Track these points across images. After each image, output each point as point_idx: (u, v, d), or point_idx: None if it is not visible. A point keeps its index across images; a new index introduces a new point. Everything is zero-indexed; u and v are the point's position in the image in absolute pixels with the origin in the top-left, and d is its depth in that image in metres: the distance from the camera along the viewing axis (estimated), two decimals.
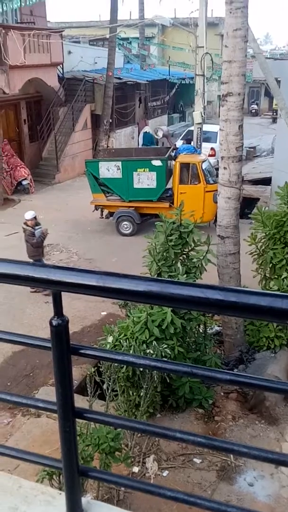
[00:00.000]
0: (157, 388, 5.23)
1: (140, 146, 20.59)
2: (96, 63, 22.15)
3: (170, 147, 14.40)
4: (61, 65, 18.55)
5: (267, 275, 7.06)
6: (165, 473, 5.08)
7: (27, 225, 9.18)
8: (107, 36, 19.60)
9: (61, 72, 19.06)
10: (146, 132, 20.86)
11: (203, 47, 13.40)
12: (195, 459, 5.26)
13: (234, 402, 6.21)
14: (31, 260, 8.61)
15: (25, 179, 16.08)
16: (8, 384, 6.70)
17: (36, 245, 9.10)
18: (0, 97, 14.79)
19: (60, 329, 1.24)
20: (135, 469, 5.07)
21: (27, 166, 16.71)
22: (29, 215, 9.24)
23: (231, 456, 5.19)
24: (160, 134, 21.40)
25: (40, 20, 18.70)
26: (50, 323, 1.24)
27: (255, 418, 5.96)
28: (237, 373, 5.03)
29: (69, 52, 20.23)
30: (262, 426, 5.82)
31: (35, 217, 9.31)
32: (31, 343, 1.40)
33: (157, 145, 20.70)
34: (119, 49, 23.98)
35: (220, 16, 27.21)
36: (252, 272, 7.09)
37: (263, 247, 6.97)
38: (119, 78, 20.89)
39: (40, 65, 16.33)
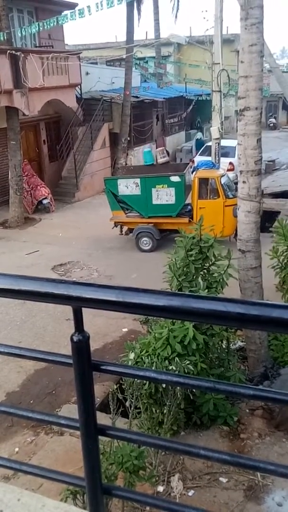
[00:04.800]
0: (180, 405, 5.16)
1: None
2: (113, 83, 22.52)
3: (187, 163, 14.45)
4: (79, 86, 18.91)
5: None
6: (190, 493, 4.98)
7: None
8: (124, 57, 19.95)
9: (79, 92, 19.42)
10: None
11: (219, 63, 13.51)
12: (221, 478, 5.15)
13: (259, 419, 6.08)
14: None
15: (46, 198, 16.33)
16: (31, 402, 6.71)
17: None
18: (20, 118, 15.13)
19: (81, 345, 1.24)
20: (160, 488, 4.98)
21: (47, 185, 16.97)
22: None
23: (258, 475, 5.07)
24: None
25: (58, 43, 19.17)
26: (71, 339, 1.24)
27: (282, 435, 5.81)
28: (261, 388, 4.93)
29: (87, 73, 20.63)
30: None
31: None
32: (53, 360, 1.40)
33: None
34: (136, 68, 24.34)
35: (235, 33, 27.47)
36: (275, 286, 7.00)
37: (285, 261, 6.88)
38: (137, 97, 21.17)
39: (59, 86, 16.68)
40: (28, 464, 1.73)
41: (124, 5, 16.03)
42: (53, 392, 6.90)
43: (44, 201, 16.34)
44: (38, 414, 1.59)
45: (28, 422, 6.02)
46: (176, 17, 27.28)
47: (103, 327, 8.44)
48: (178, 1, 26.83)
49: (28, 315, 9.14)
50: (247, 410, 6.21)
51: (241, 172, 6.49)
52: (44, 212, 16.39)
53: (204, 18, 13.97)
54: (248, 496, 4.94)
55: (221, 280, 5.78)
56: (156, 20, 27.50)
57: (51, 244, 13.24)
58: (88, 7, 12.62)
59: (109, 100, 20.06)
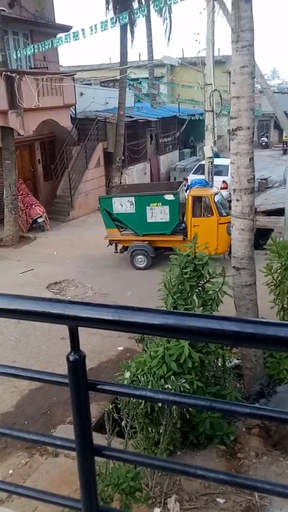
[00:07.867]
0: (176, 425, 5.11)
1: None
2: (107, 103, 22.81)
3: (181, 182, 14.57)
4: (73, 106, 19.13)
5: (285, 305, 6.96)
6: None
7: None
8: (118, 78, 20.25)
9: (74, 112, 19.64)
10: None
11: (211, 84, 13.73)
12: (218, 499, 5.07)
13: (256, 438, 6.02)
14: None
15: (40, 216, 16.37)
16: (25, 422, 6.62)
17: None
18: (15, 138, 15.25)
19: (77, 365, 1.24)
20: (157, 510, 4.90)
21: (42, 204, 17.03)
22: None
23: (256, 495, 5.00)
24: None
25: (53, 65, 19.44)
26: (67, 358, 1.24)
27: (279, 454, 5.75)
28: (258, 406, 4.89)
29: (81, 94, 20.89)
30: (287, 463, 5.61)
31: None
32: (48, 379, 1.40)
33: None
34: (130, 89, 24.67)
35: (227, 54, 27.97)
36: (270, 303, 7.01)
37: (280, 278, 6.90)
38: (130, 117, 21.42)
39: (54, 107, 16.87)
40: (22, 486, 1.71)
41: (117, 28, 16.36)
42: (48, 412, 6.82)
43: (39, 220, 16.38)
44: (33, 435, 1.58)
45: (23, 443, 5.93)
46: (168, 39, 27.71)
47: (98, 346, 8.39)
48: (170, 24, 27.33)
49: (22, 334, 9.07)
50: (244, 429, 6.15)
51: (234, 190, 6.56)
52: (39, 230, 16.41)
53: (196, 40, 14.14)
54: None
55: (216, 297, 5.78)
56: (149, 42, 27.99)
57: (46, 262, 13.22)
58: (83, 30, 12.87)
59: (103, 120, 20.29)
